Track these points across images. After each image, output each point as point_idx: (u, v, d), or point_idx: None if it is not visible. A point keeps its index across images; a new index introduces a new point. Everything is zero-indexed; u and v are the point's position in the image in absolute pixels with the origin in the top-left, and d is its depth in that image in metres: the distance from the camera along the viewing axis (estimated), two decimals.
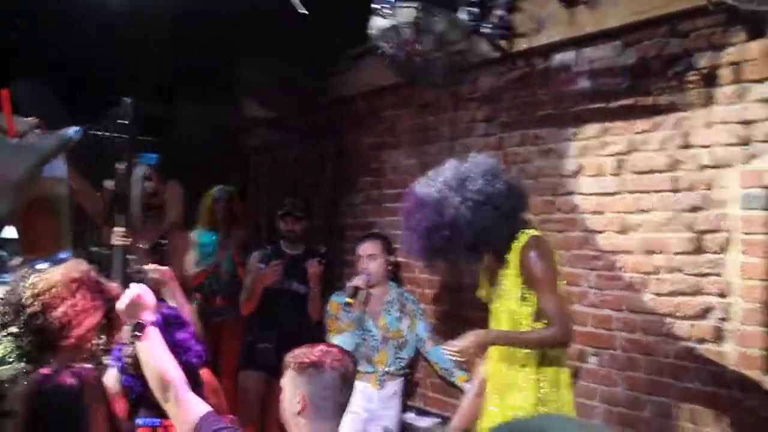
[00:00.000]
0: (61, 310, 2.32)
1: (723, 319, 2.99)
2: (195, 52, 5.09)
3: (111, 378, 2.80)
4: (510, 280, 3.05)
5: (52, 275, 2.40)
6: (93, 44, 5.04)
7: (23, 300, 2.31)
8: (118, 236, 4.08)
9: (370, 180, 4.90)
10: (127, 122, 4.29)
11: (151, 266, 3.54)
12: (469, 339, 2.98)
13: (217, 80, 5.47)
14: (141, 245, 4.34)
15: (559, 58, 3.67)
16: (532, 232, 3.09)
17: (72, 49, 5.11)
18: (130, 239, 4.09)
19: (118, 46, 4.92)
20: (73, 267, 2.48)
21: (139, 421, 2.82)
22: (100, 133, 4.78)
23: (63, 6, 4.69)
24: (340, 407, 2.23)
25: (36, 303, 2.30)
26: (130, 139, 4.31)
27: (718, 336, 3.00)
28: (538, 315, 3.00)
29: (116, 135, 4.44)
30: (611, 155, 3.45)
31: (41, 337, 2.31)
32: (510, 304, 3.06)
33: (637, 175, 3.34)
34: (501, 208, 3.01)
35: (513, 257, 3.04)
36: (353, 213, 5.06)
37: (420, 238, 3.09)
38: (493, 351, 3.13)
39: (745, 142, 2.97)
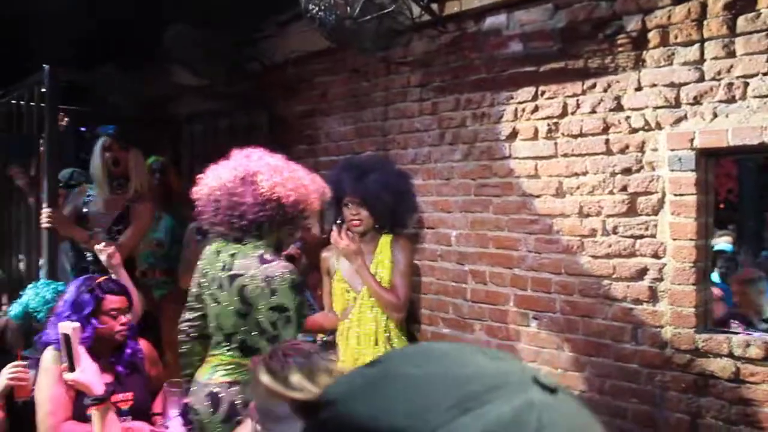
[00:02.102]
0: None
1: (657, 280, 3.06)
2: (118, 18, 4.88)
3: (49, 357, 2.78)
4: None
5: None
6: (10, 11, 4.80)
7: None
8: (46, 217, 3.98)
9: (305, 148, 4.82)
10: (47, 90, 4.13)
11: (101, 246, 3.62)
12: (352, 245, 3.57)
13: (143, 47, 5.26)
14: (109, 214, 4.29)
15: (490, 21, 3.63)
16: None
17: None
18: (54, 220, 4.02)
19: (37, 11, 4.70)
20: None
21: (87, 400, 2.81)
22: (17, 101, 4.61)
23: None
24: None
25: None
26: (49, 107, 4.15)
27: (653, 296, 3.07)
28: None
29: (35, 103, 4.28)
30: (544, 119, 3.46)
31: None
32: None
33: (570, 138, 3.36)
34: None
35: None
36: None
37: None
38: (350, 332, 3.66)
39: (673, 105, 3.00)
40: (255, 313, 2.59)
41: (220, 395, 2.63)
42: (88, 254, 4.26)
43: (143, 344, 3.15)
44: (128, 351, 2.99)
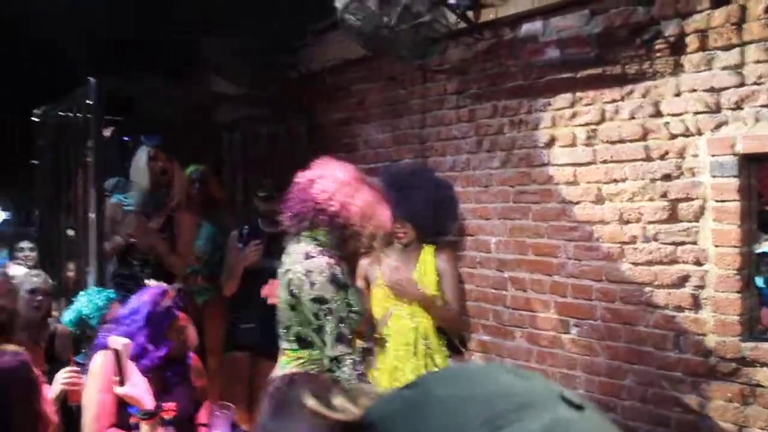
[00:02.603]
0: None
1: (699, 287, 3.03)
2: (161, 28, 4.98)
3: (99, 362, 2.84)
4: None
5: None
6: (55, 24, 4.93)
7: None
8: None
9: (343, 155, 4.83)
10: (92, 102, 4.23)
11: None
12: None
13: (184, 57, 5.36)
14: (153, 225, 4.38)
15: (526, 28, 3.62)
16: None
17: (35, 29, 5.00)
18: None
19: (81, 24, 4.82)
20: None
21: (132, 410, 2.88)
22: (65, 113, 4.74)
23: None
24: None
25: None
26: (96, 119, 4.26)
27: (695, 303, 3.04)
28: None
29: (82, 115, 4.39)
30: (583, 125, 3.44)
31: None
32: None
33: (609, 145, 3.34)
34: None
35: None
36: None
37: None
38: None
39: (713, 110, 2.96)
40: (301, 305, 2.68)
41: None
42: (135, 262, 4.37)
43: (191, 355, 3.21)
44: (181, 364, 3.01)
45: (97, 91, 4.23)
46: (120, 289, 3.72)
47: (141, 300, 2.98)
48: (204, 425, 3.01)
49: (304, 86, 5.09)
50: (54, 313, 4.56)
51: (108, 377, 2.78)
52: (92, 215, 4.15)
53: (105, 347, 2.87)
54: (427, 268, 3.69)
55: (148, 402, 2.54)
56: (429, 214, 3.66)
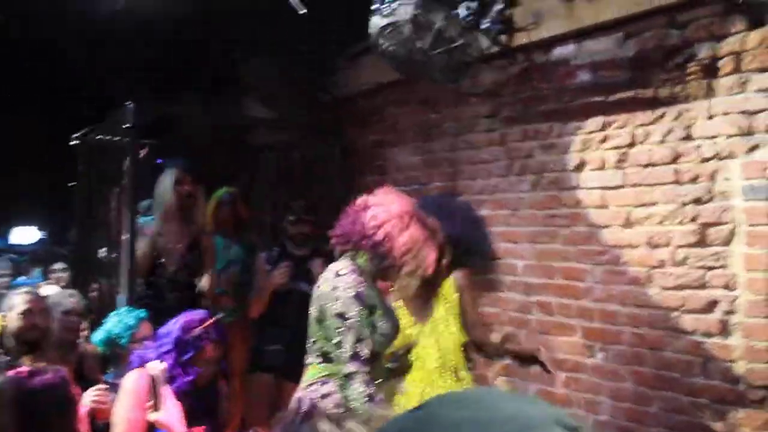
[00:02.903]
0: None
1: (729, 312, 2.97)
2: (196, 52, 5.10)
3: (133, 379, 2.87)
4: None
5: None
6: (92, 48, 5.08)
7: None
8: None
9: (375, 178, 4.88)
10: (130, 125, 4.32)
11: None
12: None
13: (219, 80, 5.47)
14: (178, 247, 4.43)
15: (558, 51, 3.64)
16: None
17: (72, 53, 5.15)
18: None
19: (119, 50, 4.95)
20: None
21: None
22: (104, 137, 4.84)
23: (62, 10, 4.71)
24: None
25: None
26: (132, 142, 4.34)
27: (724, 329, 2.98)
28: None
29: (119, 138, 4.47)
30: (613, 148, 3.43)
31: None
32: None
33: (640, 168, 3.32)
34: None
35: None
36: None
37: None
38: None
39: (747, 133, 2.94)
40: (325, 320, 2.70)
41: (302, 399, 2.71)
42: (163, 280, 4.41)
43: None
44: (212, 393, 3.06)
45: (134, 114, 4.32)
46: (148, 309, 3.74)
47: (174, 324, 3.02)
48: None
49: (337, 110, 5.15)
50: (85, 332, 4.63)
51: (140, 396, 2.80)
52: (125, 236, 4.20)
53: (139, 365, 2.90)
54: (449, 298, 3.52)
55: (180, 429, 2.55)
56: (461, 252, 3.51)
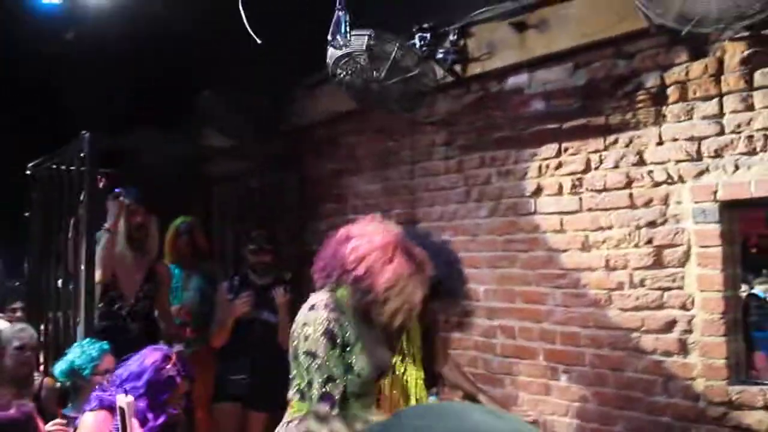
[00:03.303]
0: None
1: (687, 332, 3.07)
2: (153, 82, 5.08)
3: (92, 421, 2.82)
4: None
5: None
6: (49, 77, 5.02)
7: None
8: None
9: (334, 206, 4.92)
10: (85, 155, 4.28)
11: None
12: None
13: (176, 110, 5.45)
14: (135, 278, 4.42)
15: (512, 81, 3.74)
16: None
17: (27, 82, 5.08)
18: None
19: (75, 79, 4.90)
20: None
21: None
22: (59, 166, 4.78)
23: (16, 38, 4.66)
24: None
25: None
26: (89, 172, 4.29)
27: (683, 348, 3.08)
28: None
29: (75, 168, 4.42)
30: (569, 174, 3.52)
31: None
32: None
33: (595, 193, 3.41)
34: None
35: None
36: (318, 240, 5.04)
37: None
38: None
39: (695, 158, 3.05)
40: (299, 357, 2.59)
41: None
42: (122, 312, 4.36)
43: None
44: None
45: (90, 144, 4.29)
46: (109, 341, 3.69)
47: (143, 364, 2.94)
48: None
49: (295, 139, 5.18)
50: (40, 367, 4.54)
51: None
52: (82, 267, 4.16)
53: (99, 407, 2.85)
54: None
55: None
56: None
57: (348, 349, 2.59)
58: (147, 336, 4.59)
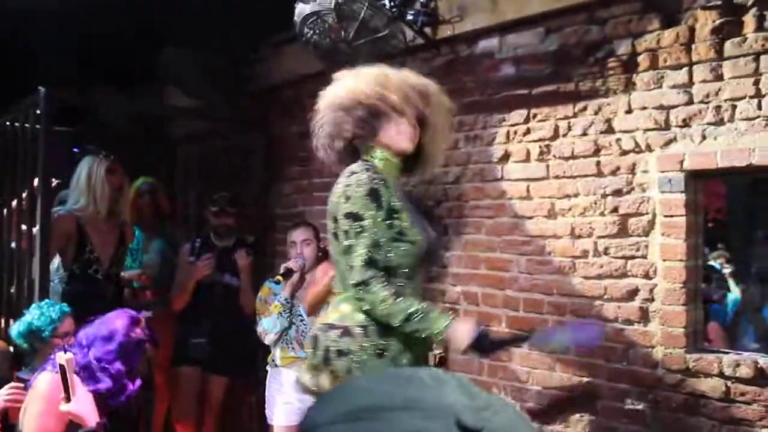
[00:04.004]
0: None
1: (648, 300, 3.09)
2: (115, 40, 4.92)
3: (42, 383, 2.75)
4: None
5: None
6: (4, 30, 4.84)
7: None
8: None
9: (299, 169, 4.85)
10: (41, 111, 4.13)
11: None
12: None
13: (138, 68, 5.31)
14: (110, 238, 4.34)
15: (483, 44, 3.69)
16: None
17: None
18: None
19: (32, 32, 4.73)
20: None
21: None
22: (12, 123, 4.62)
23: None
24: None
25: None
26: (45, 130, 4.15)
27: (644, 316, 3.10)
28: None
29: (30, 125, 4.27)
30: (536, 141, 3.49)
31: None
32: None
33: (562, 161, 3.40)
34: None
35: None
36: (283, 203, 5.01)
37: None
38: None
39: (663, 127, 3.05)
40: (338, 228, 2.36)
41: (318, 338, 2.45)
42: (98, 275, 4.26)
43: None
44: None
45: (47, 100, 4.14)
46: (75, 304, 3.60)
47: (112, 327, 2.86)
48: None
49: (260, 100, 5.08)
50: None
51: (51, 401, 2.69)
52: (37, 227, 4.04)
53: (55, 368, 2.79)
54: None
55: (92, 420, 2.45)
56: None
57: (395, 215, 2.36)
58: (120, 300, 4.52)
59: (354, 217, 2.28)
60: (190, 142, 5.74)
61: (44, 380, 2.77)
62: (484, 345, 2.34)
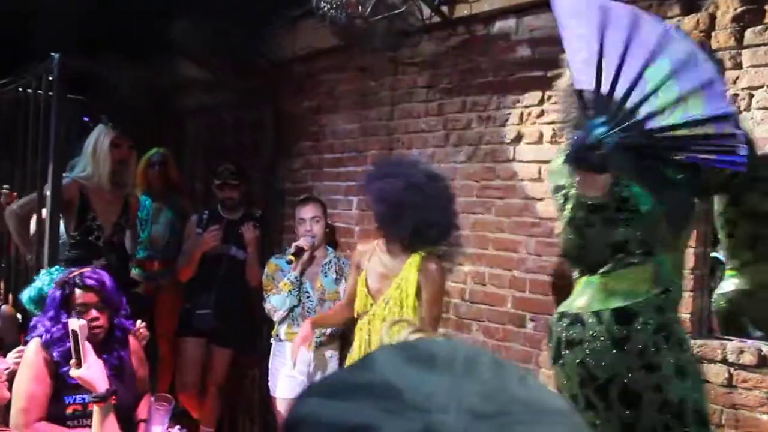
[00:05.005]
0: None
1: None
2: (126, 8, 4.91)
3: (32, 349, 2.79)
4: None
5: None
6: None
7: None
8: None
9: (309, 144, 4.85)
10: (54, 78, 4.13)
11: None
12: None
13: (149, 39, 5.29)
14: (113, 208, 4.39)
15: (499, 25, 3.68)
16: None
17: None
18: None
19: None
20: None
21: (68, 399, 2.81)
22: (24, 89, 4.63)
23: None
24: None
25: None
26: (57, 96, 4.16)
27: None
28: None
29: (43, 92, 4.27)
30: (549, 123, 3.50)
31: None
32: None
33: None
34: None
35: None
36: (292, 177, 5.02)
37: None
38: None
39: None
40: None
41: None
42: (99, 243, 4.30)
43: (132, 342, 3.11)
44: (114, 347, 2.95)
45: (59, 67, 4.13)
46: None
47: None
48: (143, 421, 2.92)
49: (272, 74, 5.07)
50: None
51: (37, 366, 2.73)
52: (48, 194, 4.05)
53: (40, 334, 2.82)
54: (410, 274, 3.21)
55: (102, 385, 2.48)
56: (384, 212, 3.22)
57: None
58: (124, 268, 4.55)
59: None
60: (200, 114, 5.74)
61: (31, 347, 2.83)
62: None
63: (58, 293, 2.86)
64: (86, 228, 4.26)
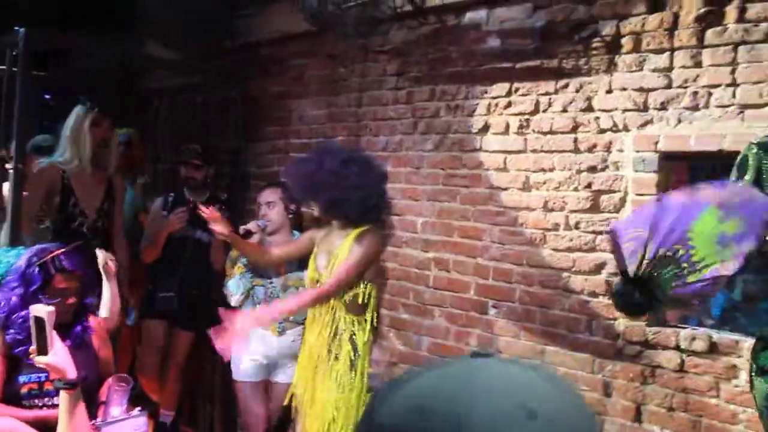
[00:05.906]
0: None
1: (614, 274, 3.19)
2: None
3: None
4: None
5: None
6: None
7: None
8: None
9: (277, 129, 4.86)
10: (18, 53, 4.05)
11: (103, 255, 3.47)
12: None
13: (116, 17, 5.23)
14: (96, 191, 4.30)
15: (470, 16, 3.73)
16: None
17: None
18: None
19: None
20: None
21: (23, 378, 2.77)
22: None
23: None
24: None
25: None
26: (22, 72, 4.08)
27: (609, 290, 3.21)
28: None
29: (7, 66, 4.19)
30: (516, 114, 3.57)
31: None
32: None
33: (540, 135, 3.48)
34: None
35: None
36: (258, 161, 5.02)
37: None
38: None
39: (641, 109, 3.14)
40: None
41: None
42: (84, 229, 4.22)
43: (94, 323, 3.08)
44: (77, 329, 2.92)
45: (24, 42, 4.06)
46: None
47: (21, 258, 2.89)
48: (104, 403, 2.85)
49: (242, 56, 5.06)
50: None
51: None
52: (11, 172, 3.98)
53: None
54: (346, 243, 3.31)
55: (71, 371, 2.40)
56: (334, 199, 3.29)
57: None
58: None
59: None
60: (167, 94, 5.69)
61: None
62: None
63: (36, 273, 2.80)
64: (68, 215, 4.18)
